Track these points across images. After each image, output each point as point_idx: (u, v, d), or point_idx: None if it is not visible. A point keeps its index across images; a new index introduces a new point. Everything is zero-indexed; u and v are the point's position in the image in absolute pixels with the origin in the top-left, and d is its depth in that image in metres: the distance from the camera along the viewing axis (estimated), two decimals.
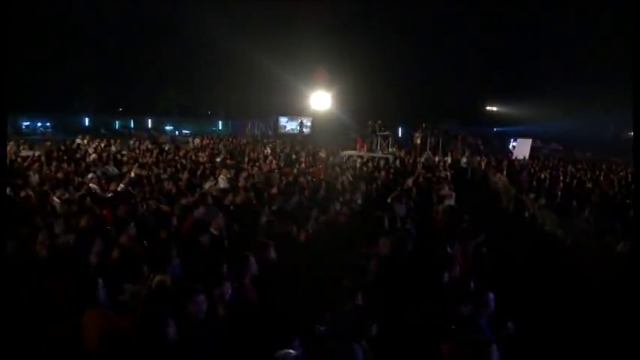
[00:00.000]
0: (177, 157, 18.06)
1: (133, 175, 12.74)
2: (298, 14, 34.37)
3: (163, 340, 3.56)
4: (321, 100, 33.86)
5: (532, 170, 20.27)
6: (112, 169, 14.09)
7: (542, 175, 17.91)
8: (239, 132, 38.14)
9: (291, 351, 3.47)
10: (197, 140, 27.48)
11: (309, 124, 41.77)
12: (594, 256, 7.72)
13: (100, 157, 16.73)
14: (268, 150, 22.73)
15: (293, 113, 42.74)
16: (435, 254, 5.96)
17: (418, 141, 25.96)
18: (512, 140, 36.26)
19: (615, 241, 7.72)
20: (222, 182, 12.01)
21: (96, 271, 5.04)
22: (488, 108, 45.07)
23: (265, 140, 31.35)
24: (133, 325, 3.89)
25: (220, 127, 45.23)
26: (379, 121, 23.86)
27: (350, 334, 3.70)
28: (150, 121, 45.62)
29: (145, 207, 8.31)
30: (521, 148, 30.47)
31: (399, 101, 36.67)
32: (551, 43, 39.76)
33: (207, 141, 27.34)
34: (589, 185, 15.89)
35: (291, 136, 37.87)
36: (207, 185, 11.62)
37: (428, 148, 25.28)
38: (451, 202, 10.89)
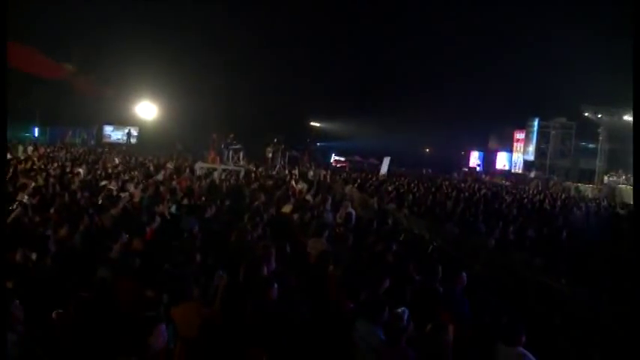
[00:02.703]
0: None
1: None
2: (127, 17, 33.32)
3: None
4: (147, 109, 33.87)
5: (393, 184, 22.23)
6: None
7: (401, 190, 19.92)
8: (57, 140, 35.67)
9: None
10: (30, 148, 24.79)
11: (135, 133, 40.51)
12: (463, 253, 9.50)
13: None
14: (117, 160, 22.46)
15: (119, 122, 41.07)
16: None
17: (270, 155, 27.02)
18: (333, 154, 42.19)
19: (481, 241, 10.04)
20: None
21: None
22: (312, 123, 47.08)
23: (100, 150, 30.41)
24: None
25: (36, 135, 39.80)
26: (231, 135, 24.43)
27: None
28: None
29: None
30: (383, 167, 33.24)
31: (227, 114, 36.58)
32: (371, 66, 43.24)
33: (43, 150, 25.16)
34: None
35: (116, 146, 36.39)
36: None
37: (279, 162, 26.50)
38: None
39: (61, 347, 4.35)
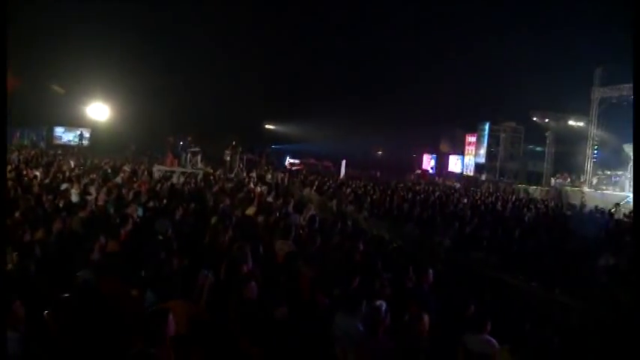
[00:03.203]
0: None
1: None
2: (78, 16, 32.71)
3: None
4: (99, 110, 33.70)
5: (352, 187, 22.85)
6: None
7: (359, 191, 20.65)
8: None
9: None
10: None
11: (87, 135, 40.06)
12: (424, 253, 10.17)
13: None
14: (72, 163, 22.41)
15: (70, 123, 40.55)
16: None
17: (228, 158, 27.36)
18: (288, 157, 42.87)
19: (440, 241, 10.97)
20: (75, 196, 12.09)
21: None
22: (267, 126, 48.01)
23: (52, 152, 29.73)
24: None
25: None
26: (189, 138, 24.74)
27: None
28: None
29: None
30: (342, 170, 34.27)
31: (180, 115, 36.28)
32: (324, 69, 44.09)
33: None
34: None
35: (68, 148, 35.73)
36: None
37: (238, 165, 26.85)
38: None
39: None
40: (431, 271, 6.91)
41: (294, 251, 8.01)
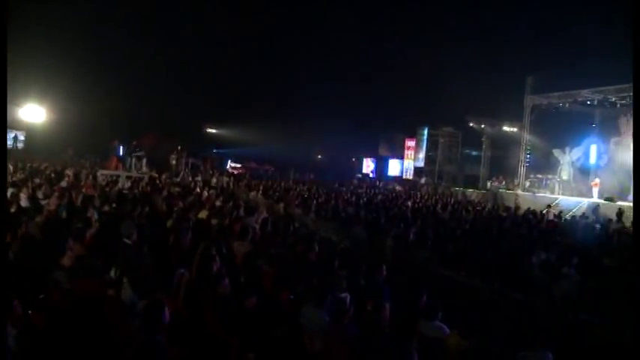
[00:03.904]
0: None
1: None
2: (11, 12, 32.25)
3: None
4: (34, 112, 33.44)
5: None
6: None
7: (305, 195, 21.45)
8: None
9: None
10: None
11: (22, 138, 38.55)
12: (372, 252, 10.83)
13: None
14: (10, 167, 22.24)
15: None
16: None
17: (174, 162, 27.67)
18: (229, 161, 43.72)
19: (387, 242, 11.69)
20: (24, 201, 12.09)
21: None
22: (208, 130, 48.33)
23: None
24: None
25: None
26: (134, 142, 24.76)
27: None
28: None
29: None
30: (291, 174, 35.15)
31: (119, 118, 35.04)
32: (265, 73, 44.84)
33: None
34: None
35: None
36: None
37: (183, 169, 27.33)
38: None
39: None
40: (384, 267, 7.55)
41: (253, 251, 8.51)
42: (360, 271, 7.66)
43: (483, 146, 36.06)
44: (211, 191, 18.91)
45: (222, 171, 34.61)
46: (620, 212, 19.90)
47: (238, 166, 43.22)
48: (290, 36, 42.81)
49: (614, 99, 26.21)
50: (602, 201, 24.21)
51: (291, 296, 6.64)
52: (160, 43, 36.77)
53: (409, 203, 21.62)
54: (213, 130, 48.47)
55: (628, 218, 19.45)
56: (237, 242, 9.28)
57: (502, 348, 5.02)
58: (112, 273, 6.83)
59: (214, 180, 25.24)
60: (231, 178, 27.37)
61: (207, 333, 5.32)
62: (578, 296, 7.82)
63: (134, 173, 22.66)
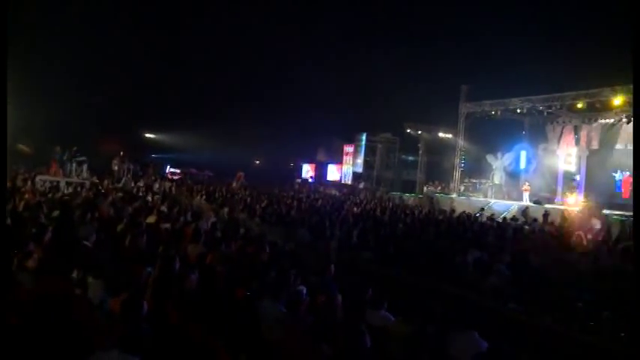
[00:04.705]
0: None
1: None
2: None
3: None
4: None
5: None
6: None
7: (248, 200, 21.97)
8: None
9: None
10: None
11: None
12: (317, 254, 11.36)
13: None
14: None
15: None
16: None
17: (116, 167, 27.81)
18: (168, 166, 43.95)
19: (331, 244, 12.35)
20: None
21: None
22: (146, 135, 48.40)
23: None
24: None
25: None
26: (75, 148, 24.79)
27: None
28: None
29: None
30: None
31: (56, 123, 35.60)
32: (204, 79, 45.15)
33: None
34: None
35: None
36: None
37: (125, 175, 27.46)
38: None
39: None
40: (333, 265, 8.26)
41: (205, 252, 9.03)
42: (309, 270, 8.32)
43: (420, 152, 37.20)
44: (156, 197, 19.16)
45: (163, 176, 34.63)
46: (546, 214, 21.31)
47: (178, 171, 43.15)
48: (227, 41, 43.01)
49: (541, 107, 27.84)
50: (531, 204, 25.70)
51: (247, 293, 7.19)
52: (97, 45, 36.32)
53: (354, 208, 22.36)
54: (152, 135, 48.14)
55: (554, 219, 20.94)
56: (191, 245, 9.81)
57: (438, 331, 5.78)
58: (75, 274, 7.24)
59: (157, 185, 25.37)
60: (173, 184, 27.55)
61: (175, 326, 5.84)
62: (507, 289, 8.73)
63: (75, 179, 22.55)
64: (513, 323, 7.10)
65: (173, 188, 25.14)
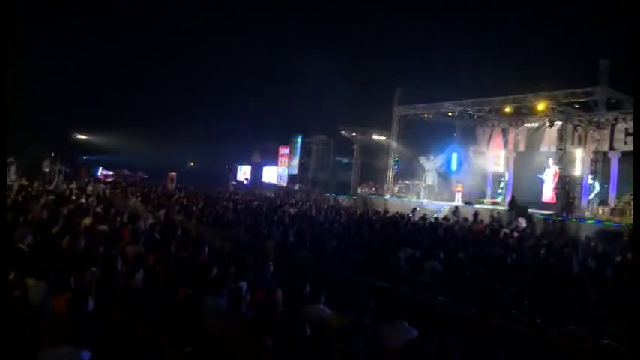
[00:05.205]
0: None
1: None
2: None
3: None
4: None
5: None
6: None
7: (184, 201, 22.29)
8: None
9: None
10: None
11: None
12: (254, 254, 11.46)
13: None
14: None
15: None
16: None
17: (47, 169, 27.35)
18: (100, 168, 43.41)
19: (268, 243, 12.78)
20: None
21: None
22: (78, 136, 47.68)
23: None
24: None
25: None
26: None
27: None
28: None
29: None
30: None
31: None
32: (134, 79, 44.62)
33: None
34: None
35: None
36: None
37: (56, 177, 27.06)
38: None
39: None
40: (271, 263, 8.55)
41: (145, 252, 9.18)
42: (249, 268, 8.57)
43: (354, 154, 37.65)
44: (91, 199, 18.93)
45: (96, 178, 34.00)
46: (476, 214, 22.22)
47: (110, 173, 42.45)
48: (159, 40, 42.57)
49: (471, 111, 28.87)
50: (461, 204, 26.67)
51: (189, 291, 7.37)
52: (25, 43, 35.27)
53: (290, 210, 22.62)
54: (83, 137, 47.03)
55: (483, 219, 21.88)
56: (130, 245, 9.89)
57: (371, 322, 6.16)
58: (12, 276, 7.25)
59: (90, 188, 24.94)
60: (107, 186, 27.16)
61: (120, 324, 5.98)
62: (438, 284, 9.25)
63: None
64: (443, 314, 7.59)
65: (107, 190, 24.74)
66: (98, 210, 15.79)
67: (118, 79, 42.48)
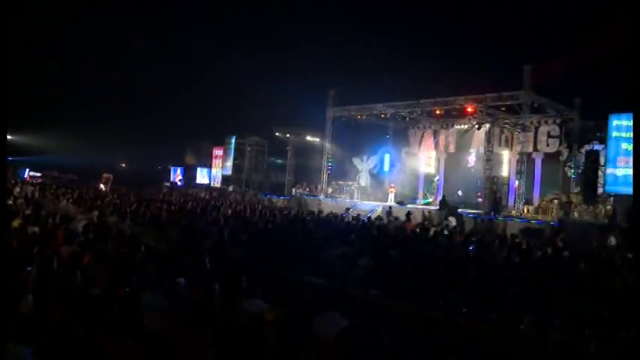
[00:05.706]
0: None
1: None
2: None
3: None
4: None
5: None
6: None
7: (117, 202, 22.24)
8: None
9: None
10: None
11: None
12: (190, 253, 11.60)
13: None
14: None
15: None
16: None
17: None
18: (27, 170, 42.25)
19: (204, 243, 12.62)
20: None
21: None
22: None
23: None
24: None
25: None
26: None
27: None
28: None
29: None
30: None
31: None
32: (66, 78, 44.96)
33: None
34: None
35: None
36: None
37: None
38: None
39: None
40: (207, 260, 8.74)
41: (80, 252, 9.17)
42: (186, 265, 8.72)
43: (289, 155, 37.86)
44: (19, 200, 18.49)
45: (23, 180, 33.00)
46: (409, 213, 22.89)
47: (38, 175, 41.18)
48: (91, 37, 41.78)
49: (403, 113, 29.64)
50: (394, 204, 27.34)
51: (127, 289, 7.46)
52: None
53: (227, 211, 22.62)
54: (8, 137, 45.26)
55: (416, 218, 22.58)
56: (65, 246, 9.84)
57: (305, 314, 6.47)
58: None
59: (17, 189, 24.23)
60: (37, 187, 26.45)
61: (56, 323, 6.03)
62: (370, 279, 9.64)
63: None
64: (374, 307, 7.98)
65: (36, 192, 24.10)
66: (28, 212, 15.47)
67: (46, 76, 41.30)
